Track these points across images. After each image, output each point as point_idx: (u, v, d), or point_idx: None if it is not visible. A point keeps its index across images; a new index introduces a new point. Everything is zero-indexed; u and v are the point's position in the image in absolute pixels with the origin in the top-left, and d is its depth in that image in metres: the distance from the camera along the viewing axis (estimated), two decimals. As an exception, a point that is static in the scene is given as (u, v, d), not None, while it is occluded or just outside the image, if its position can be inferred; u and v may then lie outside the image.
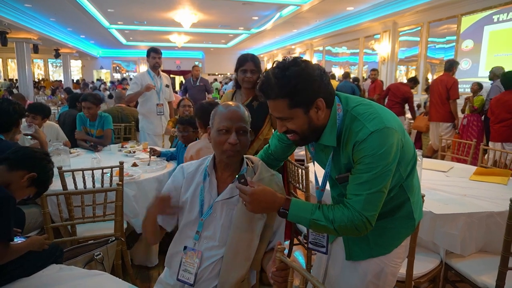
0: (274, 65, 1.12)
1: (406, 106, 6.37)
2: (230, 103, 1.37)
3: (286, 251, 2.67)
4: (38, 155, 1.49)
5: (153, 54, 4.10)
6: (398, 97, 6.18)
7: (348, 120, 1.13)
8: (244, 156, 1.41)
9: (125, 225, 2.41)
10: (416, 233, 1.61)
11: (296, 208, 1.15)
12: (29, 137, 2.73)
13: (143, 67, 20.97)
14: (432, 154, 5.47)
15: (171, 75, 17.87)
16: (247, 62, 2.32)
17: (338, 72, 11.63)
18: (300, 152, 4.29)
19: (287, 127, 1.15)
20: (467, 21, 7.23)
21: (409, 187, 1.23)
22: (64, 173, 2.24)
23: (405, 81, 7.33)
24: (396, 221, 1.26)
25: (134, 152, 3.36)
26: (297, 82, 1.06)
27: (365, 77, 10.23)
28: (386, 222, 1.23)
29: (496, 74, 5.12)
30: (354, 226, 1.09)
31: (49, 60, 20.52)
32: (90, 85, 13.27)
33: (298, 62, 1.09)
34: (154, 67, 4.15)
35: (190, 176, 1.40)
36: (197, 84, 6.78)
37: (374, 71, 7.93)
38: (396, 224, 1.26)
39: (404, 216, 1.26)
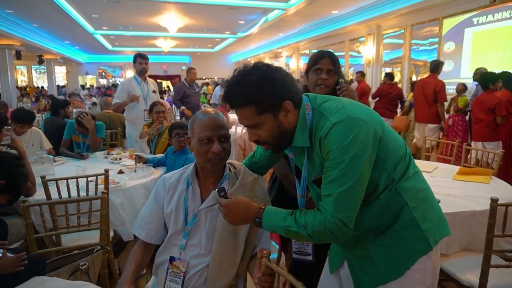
0: (235, 73, 1.09)
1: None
2: (209, 110, 1.36)
3: (275, 255, 2.67)
4: (5, 160, 1.42)
5: (140, 59, 4.08)
6: (394, 99, 6.28)
7: (316, 117, 1.08)
8: (227, 161, 1.41)
9: (112, 234, 2.38)
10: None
11: (269, 217, 1.09)
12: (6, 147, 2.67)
13: (130, 73, 20.77)
14: (416, 152, 5.54)
15: (158, 80, 17.73)
16: (323, 59, 1.78)
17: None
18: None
19: (258, 135, 1.11)
20: (449, 24, 7.39)
21: (405, 190, 1.10)
22: (48, 182, 2.20)
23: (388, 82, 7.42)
24: (399, 235, 1.11)
25: (120, 159, 3.32)
26: (261, 87, 1.04)
27: (352, 79, 10.35)
28: (388, 238, 1.12)
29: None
30: (327, 230, 1.00)
31: (32, 66, 20.19)
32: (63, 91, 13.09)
33: (259, 67, 1.07)
34: (141, 73, 4.13)
35: (173, 186, 1.39)
36: (196, 90, 5.92)
37: (359, 73, 8.04)
38: (401, 239, 1.11)
39: (406, 226, 1.10)
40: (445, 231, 1.17)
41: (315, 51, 1.39)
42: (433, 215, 1.15)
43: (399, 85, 8.60)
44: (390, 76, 6.60)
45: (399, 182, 1.10)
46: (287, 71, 1.12)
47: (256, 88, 1.04)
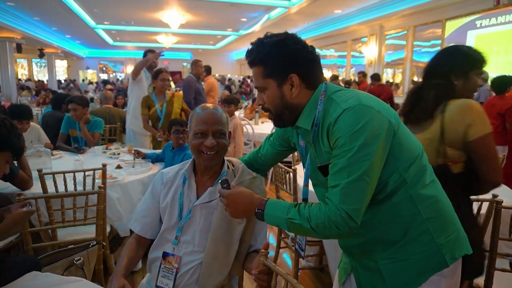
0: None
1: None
2: (209, 105, 1.35)
3: (272, 253, 2.66)
4: None
5: (151, 54, 4.09)
6: (384, 100, 6.26)
7: (326, 104, 1.05)
8: (225, 158, 1.39)
9: (108, 229, 2.36)
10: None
11: (272, 208, 1.05)
12: None
13: (130, 68, 20.73)
14: None
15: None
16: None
17: (326, 74, 11.74)
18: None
19: (263, 100, 1.12)
20: (451, 26, 7.37)
21: (421, 198, 1.03)
22: (45, 176, 2.18)
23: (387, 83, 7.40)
24: (410, 248, 1.04)
25: (118, 154, 3.30)
26: (270, 51, 1.05)
27: (355, 79, 10.34)
28: (399, 251, 1.05)
29: (482, 78, 5.20)
30: (332, 223, 0.94)
31: (33, 60, 20.15)
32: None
33: (282, 34, 1.09)
34: (151, 67, 4.14)
35: (170, 181, 1.37)
36: (203, 87, 5.26)
37: (361, 74, 8.02)
38: (412, 252, 1.04)
39: (419, 239, 1.03)
40: (465, 248, 1.09)
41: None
42: (452, 229, 1.07)
43: (400, 87, 8.61)
44: (375, 77, 6.58)
45: (415, 188, 1.03)
46: (313, 50, 1.10)
47: (267, 50, 1.06)
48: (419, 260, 1.04)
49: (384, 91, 6.40)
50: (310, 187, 1.21)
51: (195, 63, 5.09)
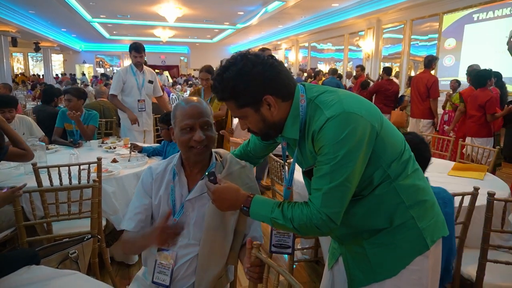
0: (219, 66, 1.08)
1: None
2: (192, 98, 1.32)
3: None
4: None
5: (134, 53, 3.98)
6: (391, 94, 6.27)
7: (311, 110, 1.05)
8: (213, 150, 1.38)
9: (104, 223, 2.36)
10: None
11: (257, 206, 1.09)
12: None
13: (127, 62, 20.61)
14: None
15: (156, 70, 17.53)
16: None
17: (324, 68, 11.71)
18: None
19: (247, 125, 1.13)
20: (449, 20, 7.36)
21: (402, 188, 1.06)
22: (40, 170, 2.17)
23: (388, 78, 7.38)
24: (395, 233, 1.08)
25: (114, 148, 3.29)
26: (235, 84, 1.02)
27: (354, 74, 10.30)
28: (384, 236, 1.09)
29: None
30: (314, 225, 1.00)
31: (29, 54, 19.99)
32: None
33: (236, 62, 1.03)
34: (136, 65, 4.08)
35: (160, 177, 1.35)
36: None
37: (359, 67, 7.99)
38: (397, 237, 1.08)
39: (403, 225, 1.07)
40: (442, 230, 1.14)
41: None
42: (432, 213, 1.12)
43: (397, 80, 8.60)
44: (387, 70, 6.54)
45: (397, 180, 1.06)
46: (273, 62, 1.06)
47: (231, 85, 1.03)
48: (403, 245, 1.08)
49: (392, 86, 6.41)
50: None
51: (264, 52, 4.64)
